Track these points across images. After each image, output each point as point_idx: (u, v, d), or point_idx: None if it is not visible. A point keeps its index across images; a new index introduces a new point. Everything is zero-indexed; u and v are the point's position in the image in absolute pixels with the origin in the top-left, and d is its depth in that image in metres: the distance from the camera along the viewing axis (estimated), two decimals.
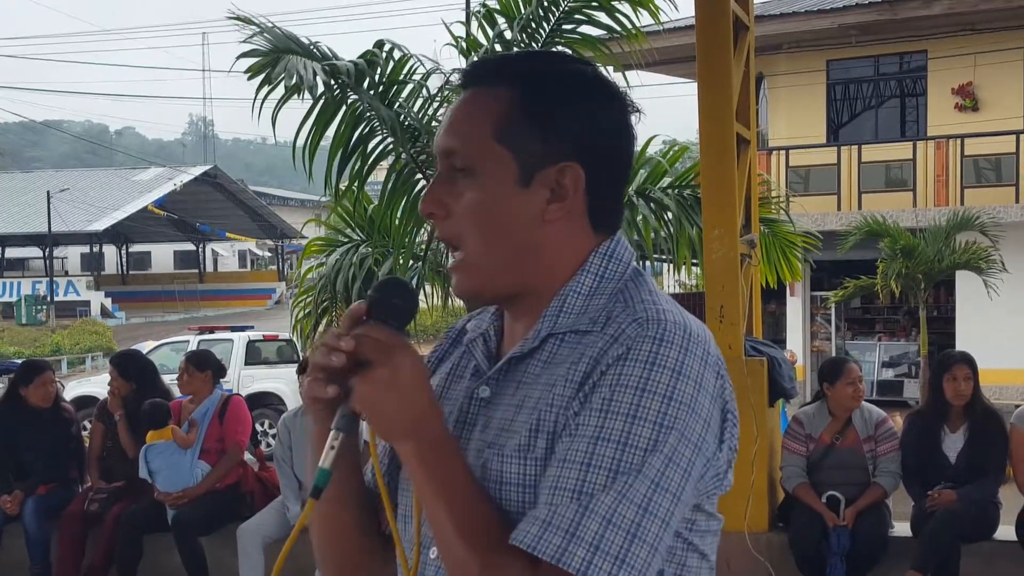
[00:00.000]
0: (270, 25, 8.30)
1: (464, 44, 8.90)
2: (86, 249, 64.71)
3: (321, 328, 10.32)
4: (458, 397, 1.96)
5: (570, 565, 1.66)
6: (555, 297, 1.89)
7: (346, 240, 10.30)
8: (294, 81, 7.75)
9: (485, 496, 1.79)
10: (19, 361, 14.63)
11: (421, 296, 9.28)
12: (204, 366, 8.86)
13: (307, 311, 10.50)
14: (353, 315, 1.80)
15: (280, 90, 7.90)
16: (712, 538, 1.89)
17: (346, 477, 1.93)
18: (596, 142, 1.91)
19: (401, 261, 9.12)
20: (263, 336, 24.71)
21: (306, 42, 8.31)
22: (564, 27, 8.75)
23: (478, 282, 1.90)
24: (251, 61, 8.02)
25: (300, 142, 8.19)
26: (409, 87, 8.65)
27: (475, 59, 2.17)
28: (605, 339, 1.79)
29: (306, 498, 1.80)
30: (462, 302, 2.05)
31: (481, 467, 1.82)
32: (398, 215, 8.94)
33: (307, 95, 7.94)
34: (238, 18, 8.31)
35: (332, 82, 8.15)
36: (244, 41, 8.08)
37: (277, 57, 7.93)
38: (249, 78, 7.96)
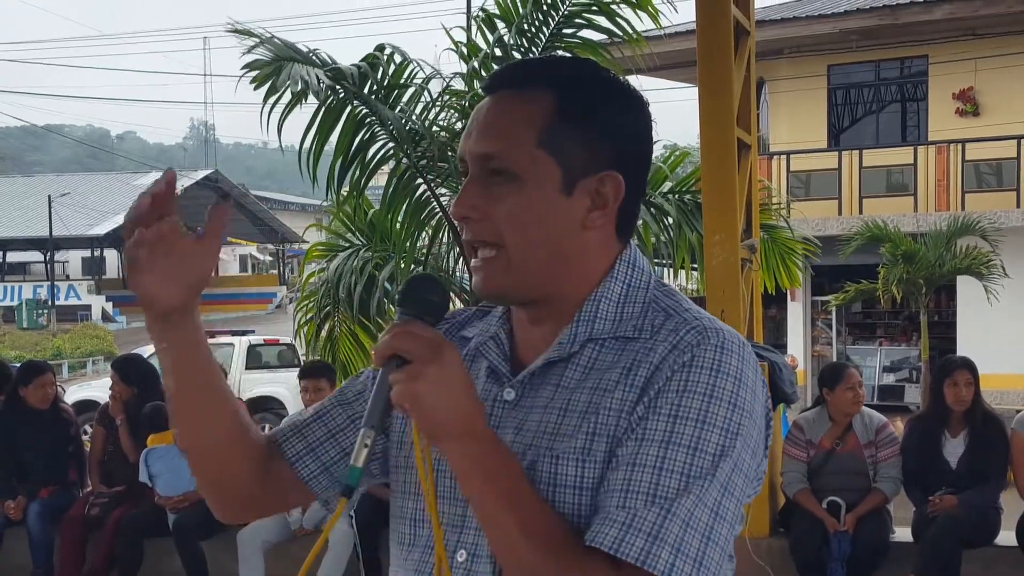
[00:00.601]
0: (269, 35, 8.31)
1: (464, 49, 8.91)
2: (87, 253, 64.68)
3: (324, 333, 10.33)
4: None
5: (655, 567, 1.67)
6: (587, 302, 1.90)
7: (347, 245, 10.31)
8: (299, 87, 7.76)
9: (543, 497, 1.78)
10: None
11: None
12: None
13: (310, 316, 10.51)
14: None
15: (285, 97, 7.91)
16: (733, 540, 1.91)
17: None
18: (631, 150, 1.93)
19: (402, 265, 9.13)
20: (264, 340, 24.70)
21: (305, 50, 8.33)
22: (564, 31, 8.76)
23: (511, 281, 1.88)
24: (254, 72, 8.04)
25: (302, 147, 8.20)
26: (410, 92, 8.66)
27: (506, 63, 2.15)
28: (664, 346, 1.81)
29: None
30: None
31: (527, 470, 1.80)
32: (399, 219, 8.95)
33: (309, 101, 7.95)
34: (238, 31, 8.33)
35: (336, 86, 8.17)
36: (245, 53, 8.10)
37: (280, 65, 7.95)
38: (255, 89, 7.98)
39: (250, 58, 8.07)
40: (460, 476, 1.75)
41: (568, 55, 8.66)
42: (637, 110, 1.94)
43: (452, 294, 8.64)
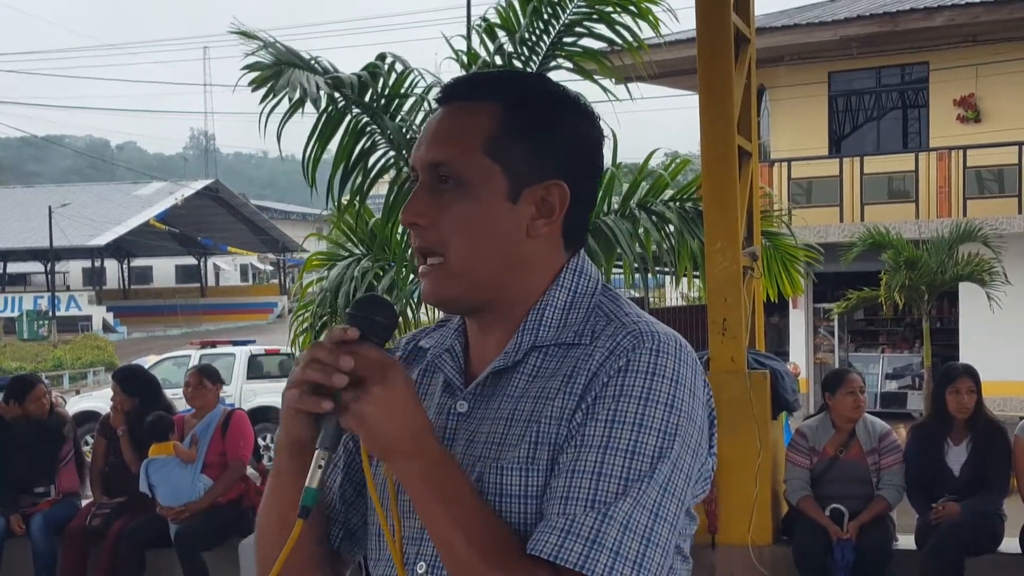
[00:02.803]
0: (271, 40, 8.30)
1: (465, 58, 8.90)
2: (88, 264, 64.76)
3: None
4: (432, 414, 1.97)
5: (594, 571, 1.71)
6: (532, 310, 1.94)
7: (347, 254, 10.29)
8: (297, 94, 7.76)
9: (491, 509, 1.82)
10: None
11: (422, 310, 9.29)
12: (215, 379, 8.87)
13: (306, 325, 10.50)
14: (336, 336, 1.78)
15: (284, 104, 7.91)
16: (690, 540, 1.95)
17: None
18: (578, 160, 1.97)
19: (403, 275, 9.11)
20: (265, 350, 24.70)
21: (307, 57, 8.32)
22: (565, 40, 8.75)
23: (457, 290, 1.91)
24: (254, 74, 8.03)
25: (304, 155, 8.20)
26: (411, 101, 8.65)
27: (456, 76, 2.20)
28: (601, 352, 1.84)
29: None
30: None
31: (476, 481, 1.84)
32: (399, 229, 8.94)
33: (309, 109, 7.95)
34: (240, 32, 8.32)
35: (335, 95, 8.16)
36: (247, 55, 8.10)
37: (280, 70, 7.95)
38: (253, 90, 7.97)
39: (250, 60, 8.06)
40: (410, 493, 1.80)
41: (567, 64, 8.69)
42: (586, 122, 2.00)
43: None
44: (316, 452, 1.78)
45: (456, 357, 2.01)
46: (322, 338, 1.84)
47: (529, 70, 8.63)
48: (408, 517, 1.92)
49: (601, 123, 2.05)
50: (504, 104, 1.93)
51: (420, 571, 1.89)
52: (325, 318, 10.09)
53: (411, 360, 2.11)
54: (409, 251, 8.84)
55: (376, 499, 1.90)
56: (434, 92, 8.68)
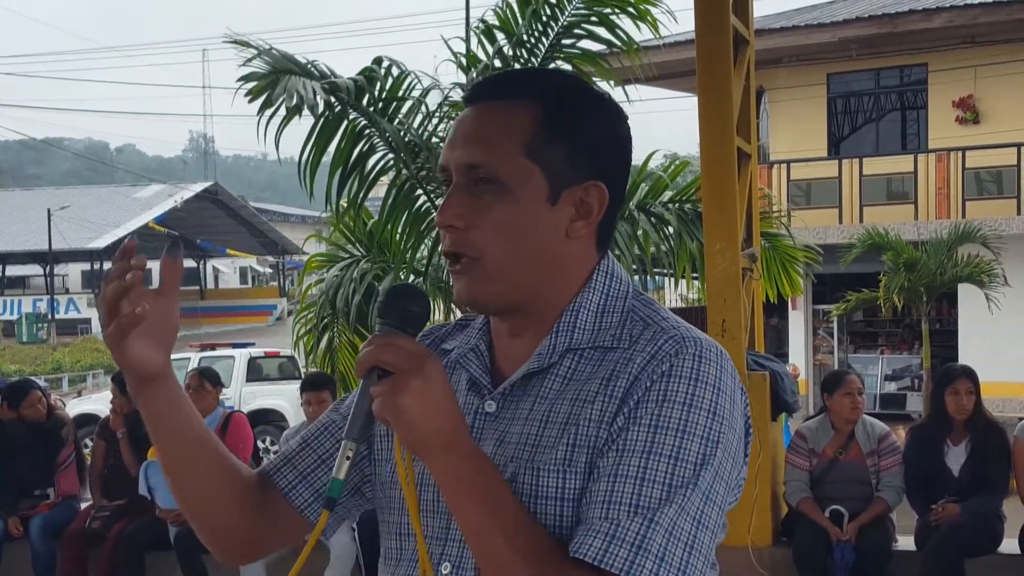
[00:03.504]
0: (267, 47, 8.31)
1: (464, 60, 8.91)
2: (87, 266, 64.62)
3: (323, 345, 10.31)
4: None
5: None
6: (565, 312, 1.91)
7: (347, 256, 10.31)
8: (294, 101, 7.77)
9: (527, 509, 1.79)
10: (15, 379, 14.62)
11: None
12: (215, 381, 8.88)
13: (308, 327, 10.50)
14: (122, 251, 1.83)
15: (282, 111, 7.91)
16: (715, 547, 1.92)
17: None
18: (613, 161, 1.94)
19: (402, 276, 9.12)
20: (264, 353, 24.70)
21: (303, 61, 8.32)
22: (564, 42, 8.76)
23: (493, 292, 1.89)
24: (251, 84, 8.03)
25: (301, 160, 8.20)
26: (408, 103, 8.65)
27: (491, 73, 2.15)
28: (642, 356, 1.82)
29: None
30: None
31: (509, 482, 1.80)
32: (399, 231, 8.95)
33: (307, 112, 7.95)
34: (236, 42, 8.33)
35: (332, 99, 8.17)
36: (243, 64, 8.10)
37: (276, 78, 7.95)
38: (250, 101, 7.98)
39: (247, 71, 8.07)
40: (444, 490, 1.75)
41: (565, 67, 8.69)
42: (619, 122, 1.96)
43: (452, 305, 8.65)
44: (343, 443, 1.76)
45: (481, 356, 1.98)
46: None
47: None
48: (431, 516, 1.90)
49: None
50: (542, 101, 1.89)
51: (445, 572, 1.87)
52: (327, 319, 10.11)
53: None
54: (408, 252, 8.86)
55: (411, 496, 1.86)
56: (432, 95, 8.72)
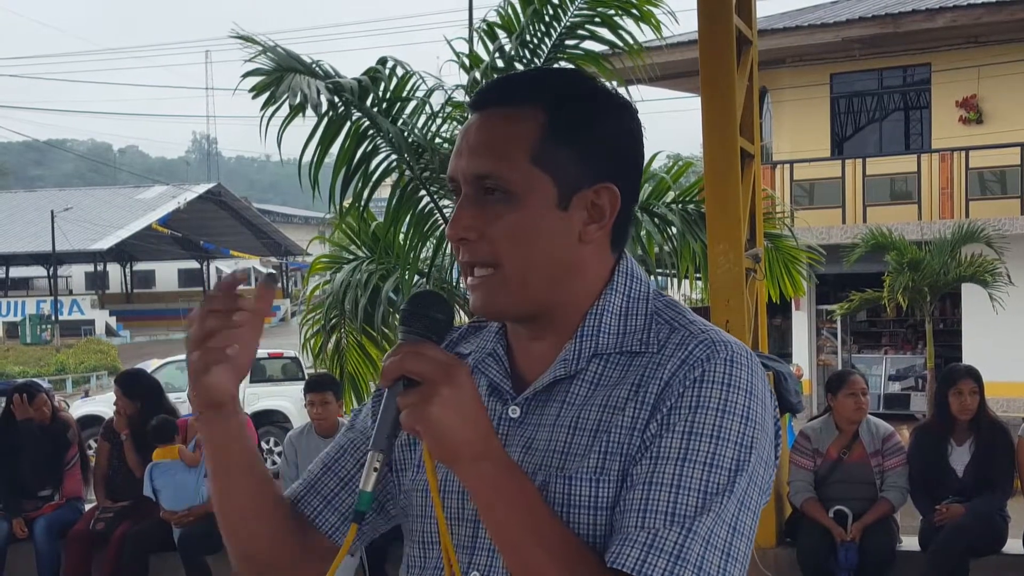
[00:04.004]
0: (272, 44, 8.30)
1: (467, 60, 8.90)
2: (90, 268, 64.77)
3: (331, 346, 10.31)
4: None
5: None
6: (588, 316, 1.89)
7: (351, 257, 10.30)
8: (298, 99, 7.75)
9: (560, 518, 1.76)
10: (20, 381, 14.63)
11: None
12: None
13: (316, 328, 10.50)
14: (228, 283, 1.85)
15: (285, 109, 7.90)
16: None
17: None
18: (624, 160, 1.92)
19: (406, 278, 9.11)
20: (268, 354, 24.64)
21: (308, 61, 8.32)
22: (567, 43, 8.75)
23: (511, 301, 1.86)
24: (255, 80, 8.03)
25: (305, 160, 8.19)
26: (412, 104, 8.64)
27: (494, 78, 2.12)
28: (673, 361, 1.80)
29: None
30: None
31: (539, 490, 1.77)
32: (402, 232, 8.94)
33: (310, 112, 7.94)
34: (241, 37, 8.32)
35: (336, 99, 8.16)
36: (247, 61, 8.09)
37: (280, 76, 7.94)
38: (254, 97, 7.96)
39: (251, 66, 8.06)
40: (478, 500, 1.72)
41: (566, 66, 8.68)
42: (628, 119, 1.93)
43: (456, 307, 8.65)
44: (370, 454, 1.73)
45: (500, 361, 1.96)
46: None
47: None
48: (457, 524, 1.88)
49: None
50: (546, 106, 1.86)
51: None
52: (334, 321, 10.10)
53: None
54: (412, 254, 8.85)
55: (439, 505, 1.81)
56: (436, 95, 8.71)
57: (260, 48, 8.20)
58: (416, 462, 1.97)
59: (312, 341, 10.51)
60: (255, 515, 1.97)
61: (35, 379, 17.24)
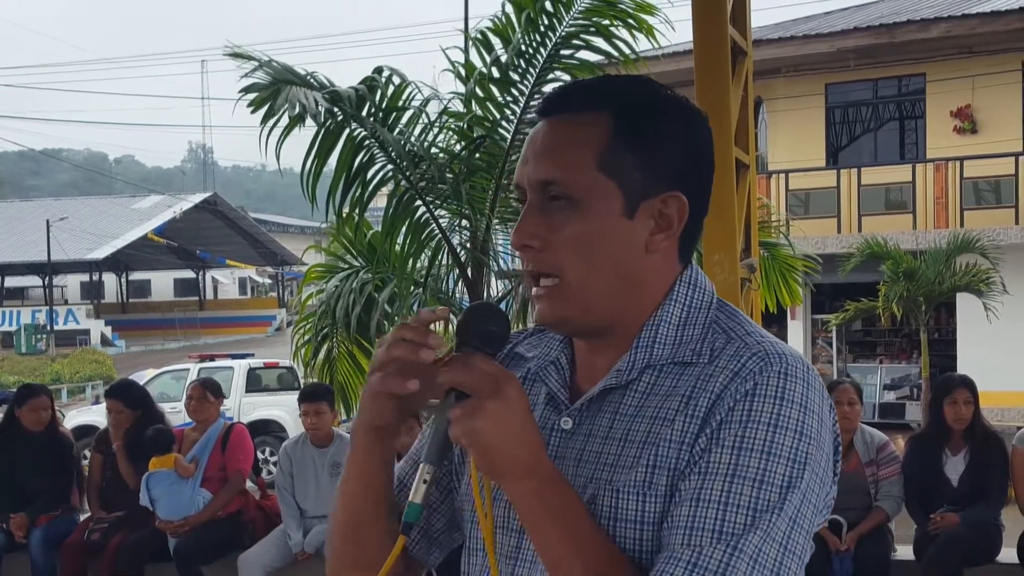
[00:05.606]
0: (267, 59, 8.31)
1: (462, 70, 8.92)
2: (86, 277, 64.73)
3: (321, 355, 10.31)
4: None
5: None
6: (645, 327, 1.85)
7: (346, 266, 10.30)
8: (296, 111, 7.76)
9: (607, 534, 1.74)
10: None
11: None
12: (217, 392, 8.88)
13: (307, 337, 10.50)
14: (425, 318, 1.76)
15: (283, 120, 7.91)
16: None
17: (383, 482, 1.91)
18: (693, 168, 1.87)
19: (402, 287, 9.12)
20: (264, 363, 24.64)
21: (302, 72, 8.33)
22: (562, 52, 8.76)
23: (575, 310, 1.82)
24: (252, 95, 8.04)
25: (304, 170, 8.20)
26: (408, 113, 8.66)
27: (561, 85, 2.11)
28: (725, 373, 1.75)
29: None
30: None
31: (588, 504, 1.75)
32: (399, 241, 8.94)
33: (307, 123, 7.95)
34: (235, 54, 8.33)
35: (334, 109, 8.17)
36: (243, 76, 8.10)
37: (277, 89, 7.95)
38: (252, 111, 7.97)
39: (247, 82, 8.07)
40: (523, 515, 1.71)
41: (565, 77, 8.69)
42: (696, 126, 1.89)
43: (452, 316, 8.66)
44: (421, 466, 1.72)
45: (561, 371, 1.92)
46: (410, 319, 1.77)
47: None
48: (502, 533, 1.86)
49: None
50: (613, 113, 1.82)
51: None
52: (326, 330, 10.10)
53: (508, 367, 1.96)
54: (408, 263, 8.86)
55: (486, 527, 1.82)
56: (432, 105, 8.73)
57: (256, 63, 8.22)
58: (470, 471, 1.94)
59: (304, 350, 10.51)
60: (372, 543, 1.93)
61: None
